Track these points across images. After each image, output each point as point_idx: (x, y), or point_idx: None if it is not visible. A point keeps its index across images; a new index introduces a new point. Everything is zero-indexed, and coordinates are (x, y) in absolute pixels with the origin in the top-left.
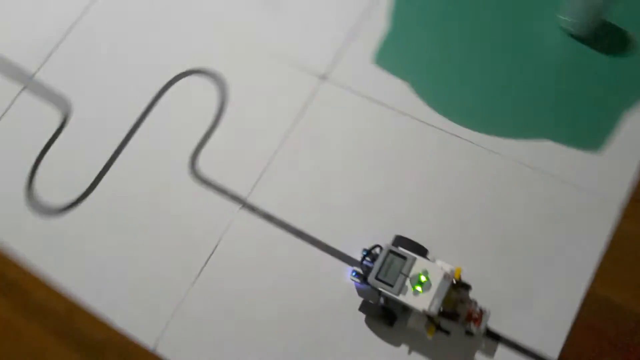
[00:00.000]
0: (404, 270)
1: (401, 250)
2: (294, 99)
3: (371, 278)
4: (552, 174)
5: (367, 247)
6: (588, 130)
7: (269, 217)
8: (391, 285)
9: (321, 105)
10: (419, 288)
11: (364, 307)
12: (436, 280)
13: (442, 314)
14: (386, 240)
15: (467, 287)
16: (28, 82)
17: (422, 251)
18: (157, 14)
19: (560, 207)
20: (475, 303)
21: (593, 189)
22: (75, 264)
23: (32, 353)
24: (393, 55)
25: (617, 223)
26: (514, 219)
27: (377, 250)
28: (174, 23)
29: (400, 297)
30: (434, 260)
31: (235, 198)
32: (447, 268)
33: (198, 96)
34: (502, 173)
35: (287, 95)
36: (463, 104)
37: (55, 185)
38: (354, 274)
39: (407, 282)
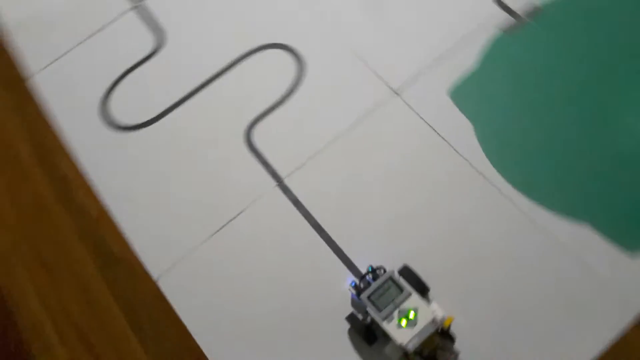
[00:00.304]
0: (397, 301)
1: (402, 281)
2: (360, 103)
3: (364, 296)
4: (583, 259)
5: (375, 264)
6: (633, 232)
7: (297, 203)
8: (379, 310)
9: (383, 117)
10: (404, 322)
11: (350, 318)
12: (423, 321)
13: (419, 353)
14: (396, 265)
15: (452, 338)
16: (138, 4)
17: (423, 288)
18: None
19: (579, 293)
20: (456, 356)
21: (616, 288)
22: (118, 179)
23: (54, 240)
24: (469, 95)
25: (627, 329)
26: (529, 289)
27: (382, 271)
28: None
29: (384, 324)
30: (431, 300)
31: (274, 174)
32: (440, 314)
33: (276, 70)
34: (532, 242)
35: (356, 96)
36: (520, 166)
37: (128, 105)
38: (352, 284)
39: (395, 313)
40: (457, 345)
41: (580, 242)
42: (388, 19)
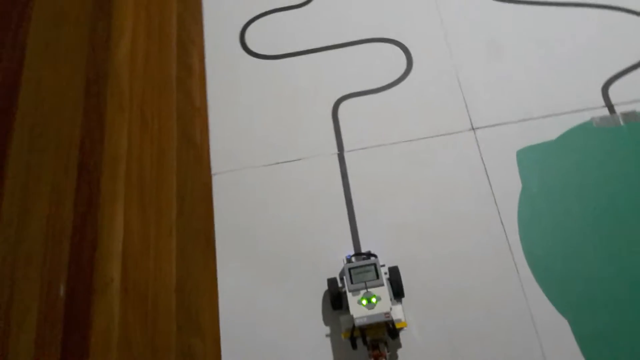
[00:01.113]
0: (369, 284)
1: (383, 274)
2: (439, 121)
3: (346, 266)
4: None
5: (373, 252)
6: None
7: (344, 176)
8: (352, 282)
9: (451, 142)
10: (364, 302)
11: (331, 281)
12: (379, 309)
13: (364, 336)
14: (390, 262)
15: (395, 336)
16: None
17: (399, 291)
18: None
19: None
20: (387, 352)
21: None
22: (225, 87)
23: (158, 105)
24: (534, 161)
25: None
26: (487, 345)
27: (373, 258)
28: None
29: (348, 295)
30: (397, 303)
31: (339, 144)
32: (398, 315)
33: (386, 62)
34: (516, 319)
35: (439, 114)
36: (550, 271)
37: (262, 37)
38: (348, 257)
39: (362, 292)
40: (400, 349)
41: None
42: (503, 65)
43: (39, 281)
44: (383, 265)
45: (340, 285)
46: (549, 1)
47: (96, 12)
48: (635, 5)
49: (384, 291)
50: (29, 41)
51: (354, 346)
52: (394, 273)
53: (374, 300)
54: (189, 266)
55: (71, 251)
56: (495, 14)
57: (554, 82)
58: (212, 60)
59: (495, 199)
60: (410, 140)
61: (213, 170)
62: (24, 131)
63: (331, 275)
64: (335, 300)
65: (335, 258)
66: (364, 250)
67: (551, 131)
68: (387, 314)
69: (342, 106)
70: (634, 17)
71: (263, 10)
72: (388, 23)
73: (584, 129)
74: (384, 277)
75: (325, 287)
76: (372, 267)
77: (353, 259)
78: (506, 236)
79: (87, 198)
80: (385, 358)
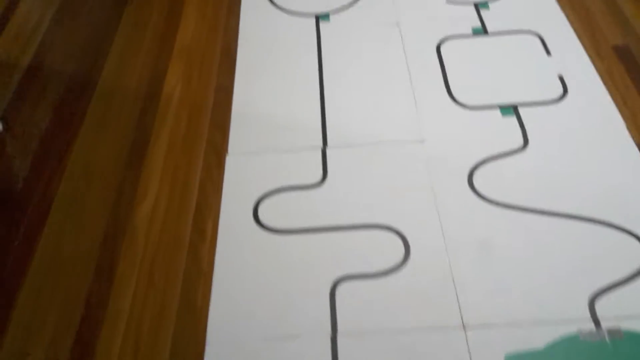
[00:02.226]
0: None
1: None
2: (430, 315)
3: None
4: None
5: None
6: None
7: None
8: None
9: (442, 344)
10: None
11: None
12: None
13: None
14: None
15: None
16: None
17: None
18: None
19: None
20: None
21: None
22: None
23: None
24: None
25: None
26: None
27: None
28: None
29: None
30: None
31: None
32: None
33: (382, 249)
34: None
35: (429, 308)
36: None
37: (278, 212)
38: None
39: None
40: None
41: None
42: (495, 266)
43: None
44: None
45: None
46: (543, 210)
47: (126, 171)
48: (628, 224)
49: None
50: (59, 192)
51: None
52: None
53: None
54: None
55: None
56: (489, 216)
57: (544, 290)
58: (225, 228)
59: None
60: (402, 331)
61: (208, 339)
62: (35, 282)
63: None
64: None
65: None
66: None
67: (539, 338)
68: None
69: (340, 287)
70: (626, 235)
71: (279, 186)
72: (392, 212)
73: (570, 340)
74: None
75: None
76: None
77: None
78: None
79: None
80: None
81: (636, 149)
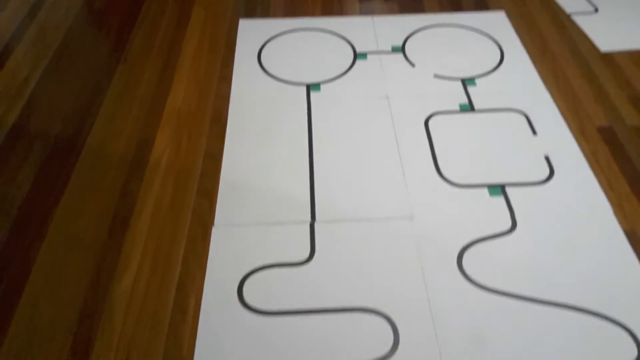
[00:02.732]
0: None
1: None
2: None
3: None
4: None
5: None
6: None
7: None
8: None
9: None
10: None
11: None
12: None
13: None
14: None
15: None
16: (313, 221)
17: None
18: None
19: None
20: None
21: None
22: None
23: None
24: None
25: None
26: None
27: None
28: None
29: None
30: None
31: None
32: None
33: (370, 335)
34: None
35: None
36: None
37: (262, 291)
38: None
39: None
40: None
41: None
42: (487, 356)
43: None
44: None
45: None
46: (534, 298)
47: (108, 240)
48: (618, 315)
49: None
50: (38, 260)
51: None
52: None
53: None
54: None
55: None
56: (480, 302)
57: None
58: (208, 307)
59: None
60: None
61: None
62: (10, 355)
63: None
64: None
65: None
66: None
67: None
68: None
69: None
70: (617, 328)
71: (265, 262)
72: (381, 295)
73: None
74: None
75: None
76: None
77: None
78: None
79: None
80: None
81: (624, 237)
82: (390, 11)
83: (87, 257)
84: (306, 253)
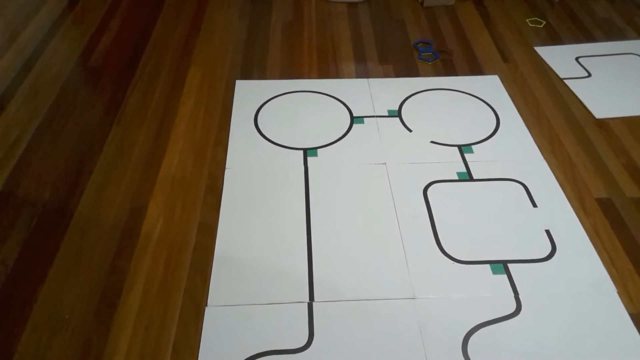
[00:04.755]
0: None
1: None
2: None
3: None
4: None
5: None
6: None
7: None
8: None
9: None
10: None
11: None
12: None
13: None
14: None
15: None
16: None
17: None
18: None
19: None
20: None
21: None
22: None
23: None
24: None
25: None
26: None
27: None
28: None
29: None
30: None
31: None
32: None
33: None
34: None
35: None
36: None
37: None
38: None
39: None
40: None
41: None
42: None
43: None
44: None
45: None
46: None
47: (95, 323)
48: None
49: None
50: (19, 346)
51: None
52: None
53: None
54: None
55: None
56: None
57: None
58: None
59: None
60: None
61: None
62: None
63: None
64: None
65: None
66: None
67: None
68: None
69: None
70: None
71: (262, 350)
72: None
73: None
74: None
75: None
76: None
77: None
78: None
79: None
80: None
81: (630, 320)
82: (386, 74)
83: (72, 343)
84: (304, 337)
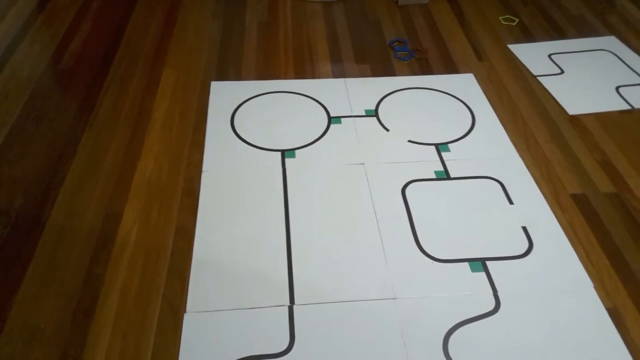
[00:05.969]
0: None
1: None
2: None
3: None
4: None
5: None
6: None
7: None
8: None
9: None
10: None
11: None
12: None
13: None
14: None
15: None
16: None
17: None
18: None
19: None
20: None
21: None
22: None
23: None
24: None
25: None
26: None
27: None
28: None
29: None
30: None
31: None
32: None
33: None
34: None
35: None
36: None
37: None
38: None
39: None
40: None
41: None
42: None
43: None
44: None
45: None
46: None
47: (71, 332)
48: None
49: None
50: None
51: None
52: None
53: None
54: None
55: None
56: None
57: None
58: None
59: None
60: None
61: None
62: None
63: None
64: None
65: None
66: None
67: None
68: None
69: None
70: None
71: (242, 356)
72: None
73: None
74: None
75: None
76: None
77: None
78: None
79: None
80: None
81: (607, 315)
82: (362, 73)
83: (48, 353)
84: (286, 341)
